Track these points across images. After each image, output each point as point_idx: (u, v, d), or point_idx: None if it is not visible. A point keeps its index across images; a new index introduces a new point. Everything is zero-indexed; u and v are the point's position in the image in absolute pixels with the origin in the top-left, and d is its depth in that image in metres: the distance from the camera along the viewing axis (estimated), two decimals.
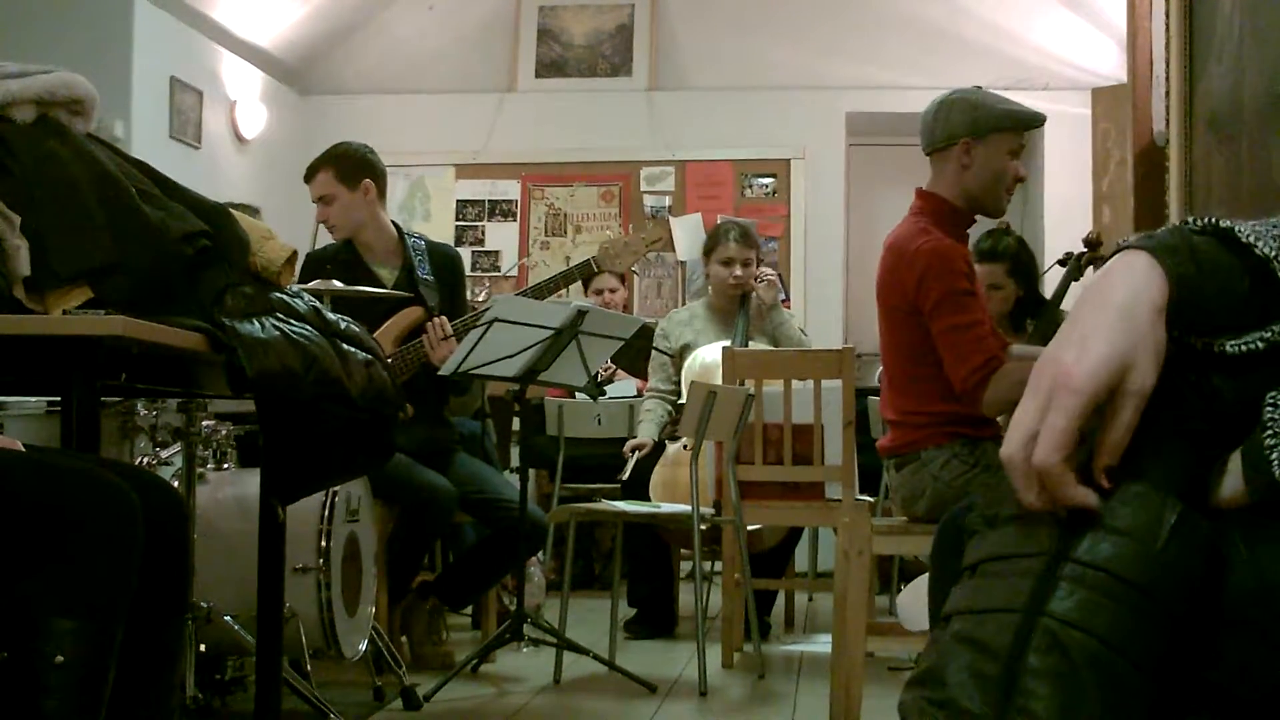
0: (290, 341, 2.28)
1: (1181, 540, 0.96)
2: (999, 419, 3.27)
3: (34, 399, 3.13)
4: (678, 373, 5.20)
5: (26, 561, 1.72)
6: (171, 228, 2.20)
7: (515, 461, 6.04)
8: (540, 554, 4.80)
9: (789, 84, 7.47)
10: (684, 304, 6.62)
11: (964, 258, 3.32)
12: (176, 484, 3.20)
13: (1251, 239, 1.04)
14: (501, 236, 7.64)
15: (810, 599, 6.09)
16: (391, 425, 2.57)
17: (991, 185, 3.39)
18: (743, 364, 4.34)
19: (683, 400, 4.61)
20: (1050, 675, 0.93)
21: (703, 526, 4.13)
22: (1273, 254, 1.03)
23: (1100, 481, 0.99)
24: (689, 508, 4.07)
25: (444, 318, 4.08)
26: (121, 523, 1.76)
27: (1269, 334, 1.02)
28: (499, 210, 7.65)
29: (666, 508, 4.42)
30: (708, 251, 5.28)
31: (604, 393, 4.81)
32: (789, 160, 7.49)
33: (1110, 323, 1.00)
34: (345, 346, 2.43)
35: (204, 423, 3.40)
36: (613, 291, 6.16)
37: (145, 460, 3.36)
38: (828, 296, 7.43)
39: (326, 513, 3.42)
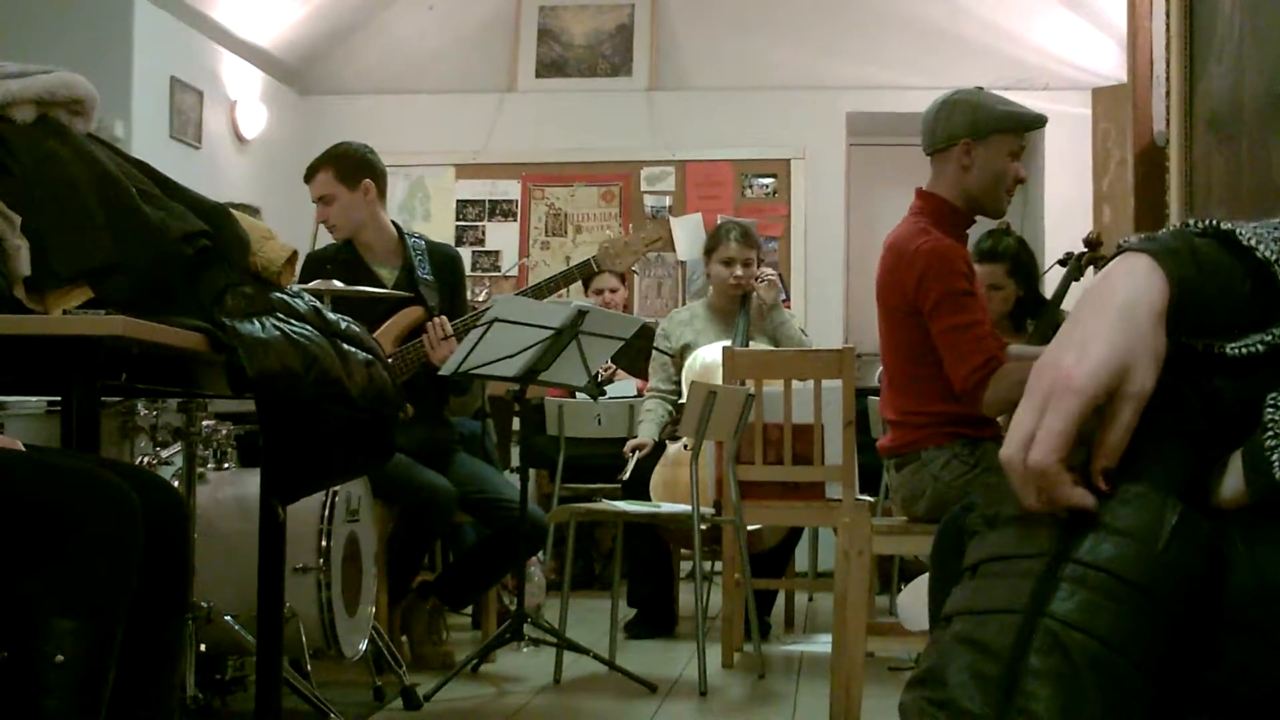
0: (290, 341, 2.28)
1: (1183, 541, 0.96)
2: (999, 419, 3.27)
3: (34, 399, 3.13)
4: (678, 372, 5.20)
5: (26, 561, 1.72)
6: (172, 228, 2.20)
7: (515, 461, 6.04)
8: (540, 554, 4.79)
9: (789, 84, 7.47)
10: (684, 304, 6.62)
11: (963, 258, 3.32)
12: (176, 484, 3.20)
13: (1253, 242, 1.04)
14: (502, 236, 7.64)
15: (810, 599, 6.09)
16: (392, 425, 2.57)
17: (992, 186, 3.39)
18: (743, 364, 4.34)
19: (683, 400, 4.61)
20: (1051, 676, 0.93)
21: (703, 526, 4.13)
22: (1274, 258, 1.03)
23: (1099, 484, 0.99)
24: (689, 508, 4.07)
25: (444, 318, 4.08)
26: (121, 523, 1.76)
27: (1269, 337, 1.02)
28: (499, 210, 7.65)
29: (666, 508, 4.42)
30: (708, 251, 5.28)
31: (604, 393, 4.81)
32: (789, 160, 7.49)
33: (1110, 325, 1.00)
34: (345, 346, 2.43)
35: (204, 423, 3.40)
36: (613, 291, 6.16)
37: (145, 460, 3.36)
38: (828, 296, 7.43)
39: (326, 513, 3.42)
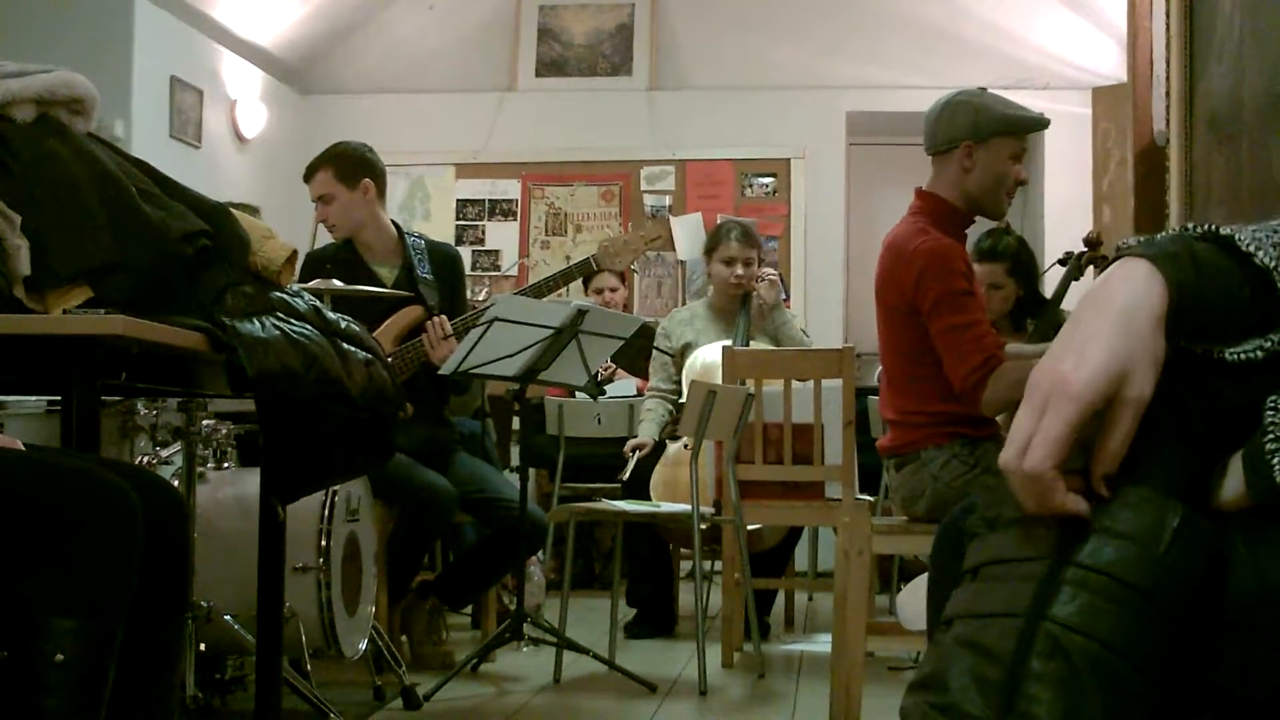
0: (290, 341, 2.28)
1: (1184, 544, 0.96)
2: (998, 419, 3.27)
3: (34, 398, 3.13)
4: (679, 372, 5.20)
5: (26, 561, 1.72)
6: (172, 227, 2.20)
7: (515, 461, 6.04)
8: (540, 553, 4.80)
9: (789, 84, 7.47)
10: (684, 304, 6.62)
11: (962, 257, 3.32)
12: (176, 483, 3.20)
13: (1251, 248, 1.04)
14: (501, 236, 7.64)
15: (810, 599, 6.09)
16: (392, 425, 2.57)
17: (992, 188, 3.39)
18: (743, 363, 4.34)
19: (683, 400, 4.61)
20: (1053, 680, 0.92)
21: (703, 526, 4.13)
22: (1272, 264, 1.03)
23: (1099, 490, 0.99)
24: (689, 507, 4.08)
25: (443, 317, 4.08)
26: (121, 522, 1.76)
27: (1269, 343, 1.02)
28: (499, 210, 7.65)
29: (666, 507, 4.42)
30: (709, 251, 5.28)
31: (604, 392, 4.81)
32: (789, 160, 7.49)
33: (1109, 330, 1.00)
34: (345, 346, 2.43)
35: (204, 422, 3.40)
36: (613, 291, 6.16)
37: (145, 460, 3.36)
38: (828, 296, 7.43)
39: (326, 512, 3.42)
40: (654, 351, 5.33)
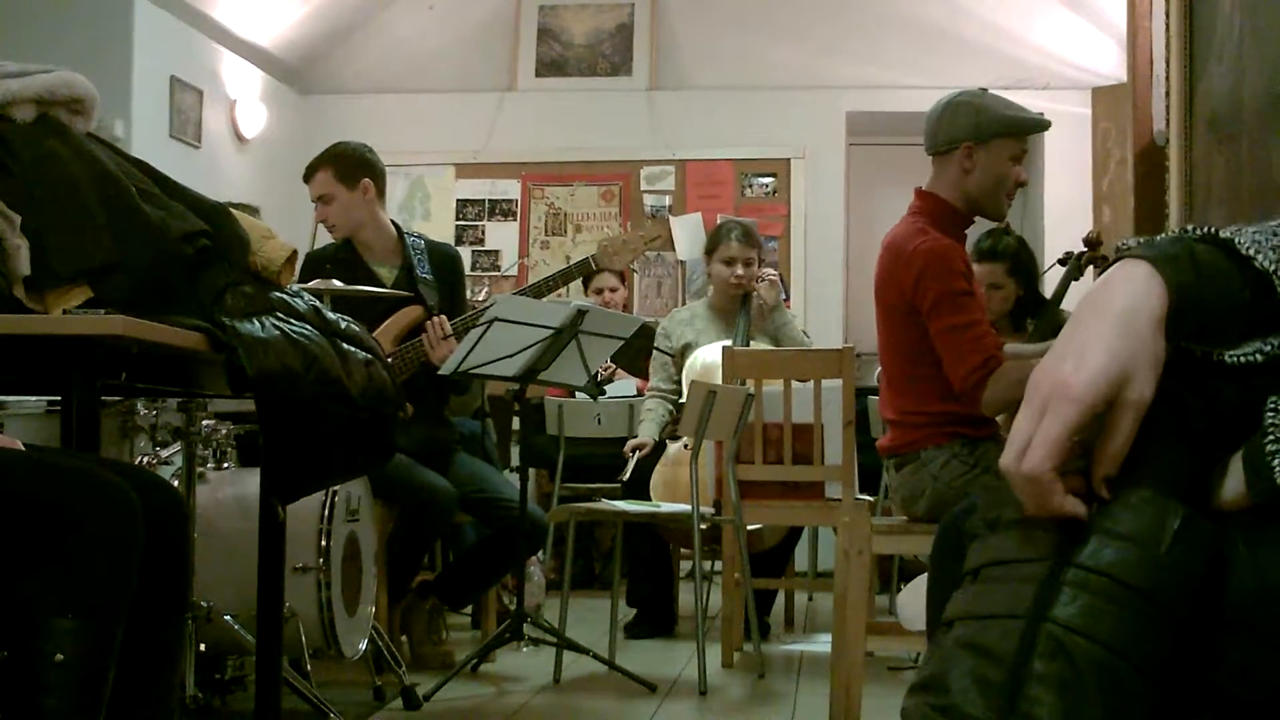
0: (290, 341, 2.28)
1: (1185, 544, 0.96)
2: (998, 419, 3.27)
3: (34, 399, 3.13)
4: (679, 372, 5.20)
5: (26, 561, 1.72)
6: (172, 227, 2.20)
7: (515, 461, 6.04)
8: (540, 554, 4.80)
9: (789, 84, 7.47)
10: (684, 304, 6.62)
11: (962, 257, 3.32)
12: (176, 484, 3.20)
13: (1251, 251, 1.03)
14: (501, 236, 7.64)
15: (810, 599, 6.09)
16: (392, 425, 2.57)
17: (992, 190, 3.39)
18: (743, 363, 4.34)
19: (684, 400, 4.61)
20: (1054, 681, 0.92)
21: (703, 526, 4.13)
22: (1272, 267, 1.02)
23: (1100, 492, 0.99)
24: (689, 507, 4.08)
25: (443, 317, 4.08)
26: (121, 523, 1.76)
27: (1269, 347, 1.02)
28: (499, 210, 7.65)
29: (666, 507, 4.42)
30: (709, 251, 5.28)
31: (604, 392, 4.81)
32: (789, 160, 7.49)
33: (1109, 333, 1.00)
34: (345, 346, 2.43)
35: (204, 422, 3.40)
36: (613, 291, 6.16)
37: (145, 460, 3.36)
38: (828, 296, 7.43)
39: (326, 512, 3.42)
40: (654, 351, 5.33)
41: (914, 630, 3.12)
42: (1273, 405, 1.00)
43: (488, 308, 3.77)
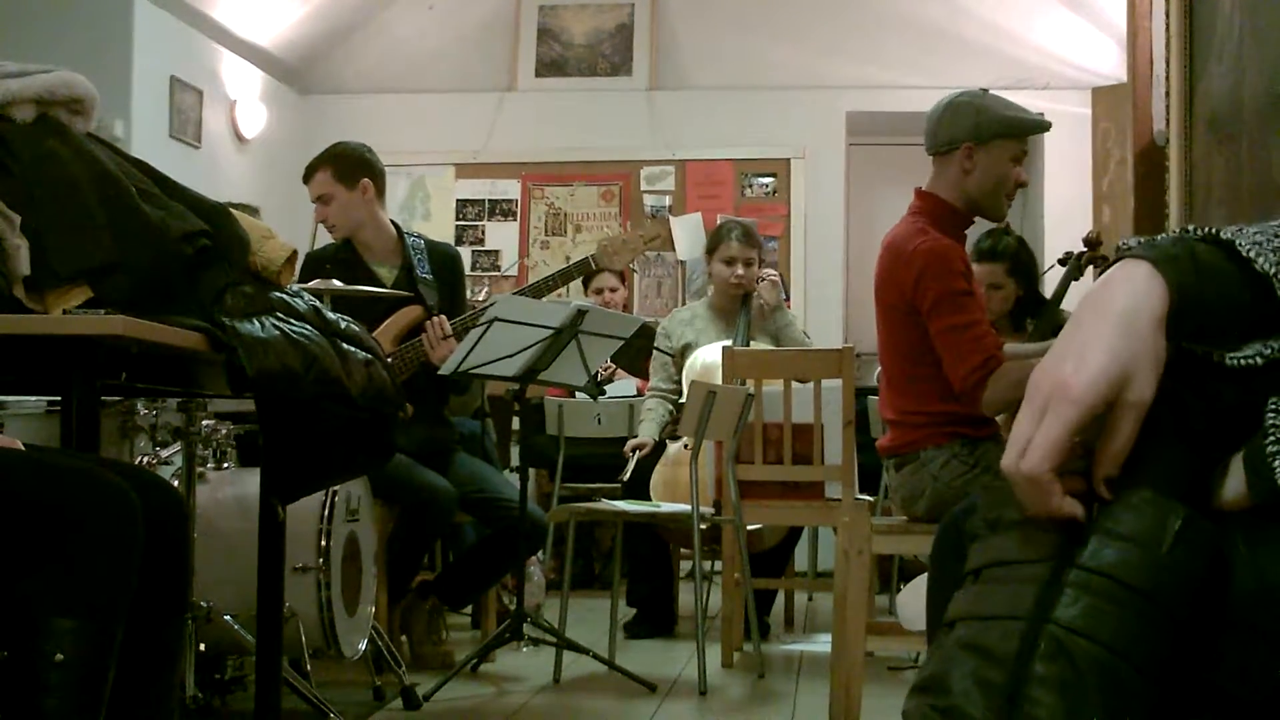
0: (290, 341, 2.28)
1: (1186, 545, 0.96)
2: (998, 419, 3.27)
3: (34, 399, 3.13)
4: (679, 372, 5.20)
5: (26, 561, 1.72)
6: (171, 227, 2.20)
7: (515, 461, 6.04)
8: (540, 553, 4.80)
9: (789, 84, 7.47)
10: (684, 304, 6.62)
11: (961, 258, 3.32)
12: (176, 484, 3.20)
13: (1252, 254, 1.03)
14: (501, 236, 7.64)
15: (810, 599, 6.09)
16: (392, 425, 2.57)
17: (992, 190, 3.39)
18: (743, 363, 4.34)
19: (684, 400, 4.61)
20: (1055, 683, 0.92)
21: (703, 526, 4.13)
22: (1273, 271, 1.02)
23: (1101, 492, 0.99)
24: (689, 507, 4.08)
25: (443, 317, 4.08)
26: (121, 523, 1.76)
27: (1269, 350, 1.02)
28: (499, 210, 7.65)
29: (666, 507, 4.42)
30: (710, 250, 5.28)
31: (604, 392, 4.81)
32: (789, 160, 7.49)
33: (1110, 333, 0.99)
34: (345, 346, 2.43)
35: (204, 422, 3.40)
36: (613, 291, 6.16)
37: (145, 460, 3.36)
38: (828, 296, 7.43)
39: (326, 512, 3.42)
40: (654, 351, 5.33)
41: (914, 630, 3.12)
42: (1273, 406, 0.99)
43: (488, 307, 3.77)
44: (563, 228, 7.60)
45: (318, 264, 4.26)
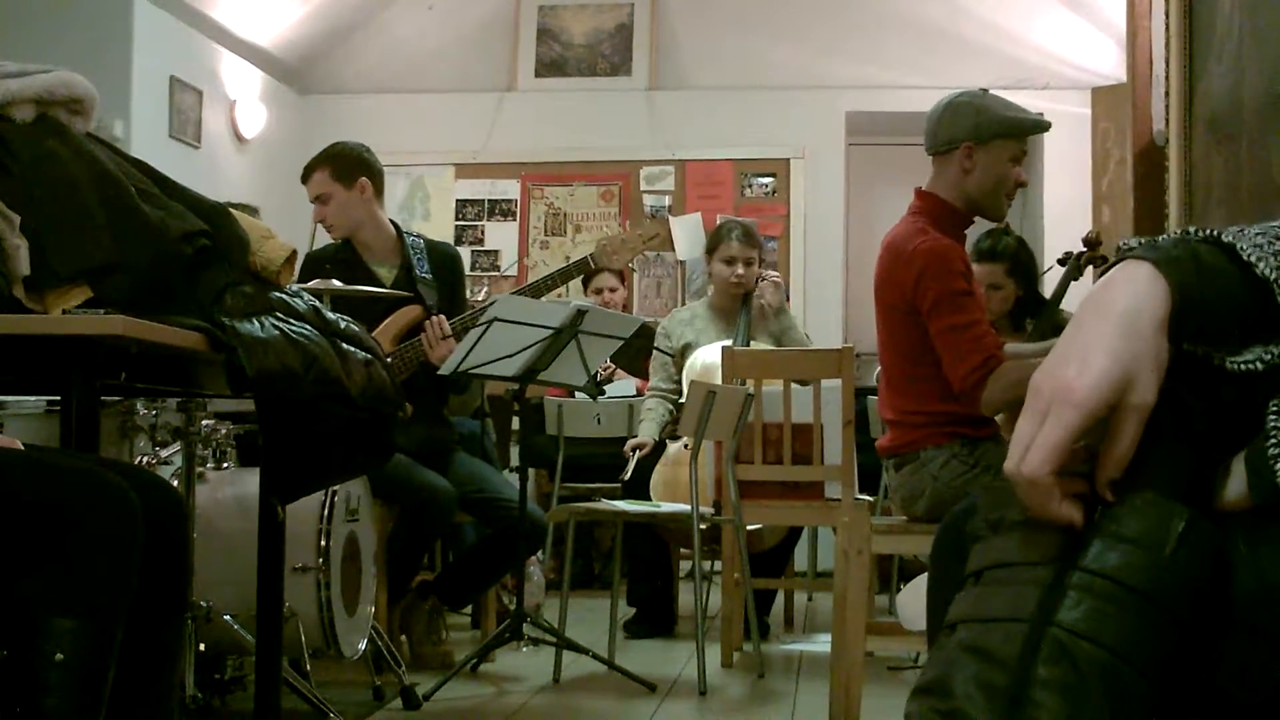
0: (290, 341, 2.28)
1: (1189, 547, 0.96)
2: (998, 419, 3.27)
3: (34, 398, 3.13)
4: (679, 372, 5.20)
5: (26, 561, 1.72)
6: (171, 227, 2.20)
7: (515, 461, 6.04)
8: (540, 553, 4.80)
9: (789, 84, 7.47)
10: (684, 304, 6.62)
11: (961, 257, 3.32)
12: (176, 483, 3.20)
13: (1253, 258, 1.03)
14: (501, 236, 7.64)
15: (810, 599, 6.09)
16: (391, 425, 2.57)
17: (992, 190, 3.39)
18: (742, 363, 4.34)
19: (684, 400, 4.61)
20: (1058, 686, 0.92)
21: (702, 526, 4.13)
22: (1273, 276, 1.02)
23: (1105, 495, 0.99)
24: (689, 507, 4.08)
25: (441, 316, 4.08)
26: (121, 522, 1.76)
27: (1269, 355, 1.02)
28: (499, 210, 7.65)
29: (666, 507, 4.42)
30: (710, 250, 5.28)
31: (603, 392, 4.81)
32: (789, 160, 7.49)
33: (1112, 336, 0.99)
34: (345, 346, 2.43)
35: (204, 422, 3.39)
36: (612, 291, 6.16)
37: (145, 460, 3.36)
38: (827, 296, 7.43)
39: (326, 512, 3.42)
40: (654, 351, 5.33)
41: (914, 630, 3.12)
42: (1275, 408, 0.99)
43: (487, 307, 3.77)
44: (562, 228, 7.60)
45: (317, 264, 4.26)
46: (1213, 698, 0.97)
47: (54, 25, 5.79)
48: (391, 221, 4.41)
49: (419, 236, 4.44)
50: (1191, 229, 1.07)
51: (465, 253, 7.21)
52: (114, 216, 2.15)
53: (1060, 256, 4.45)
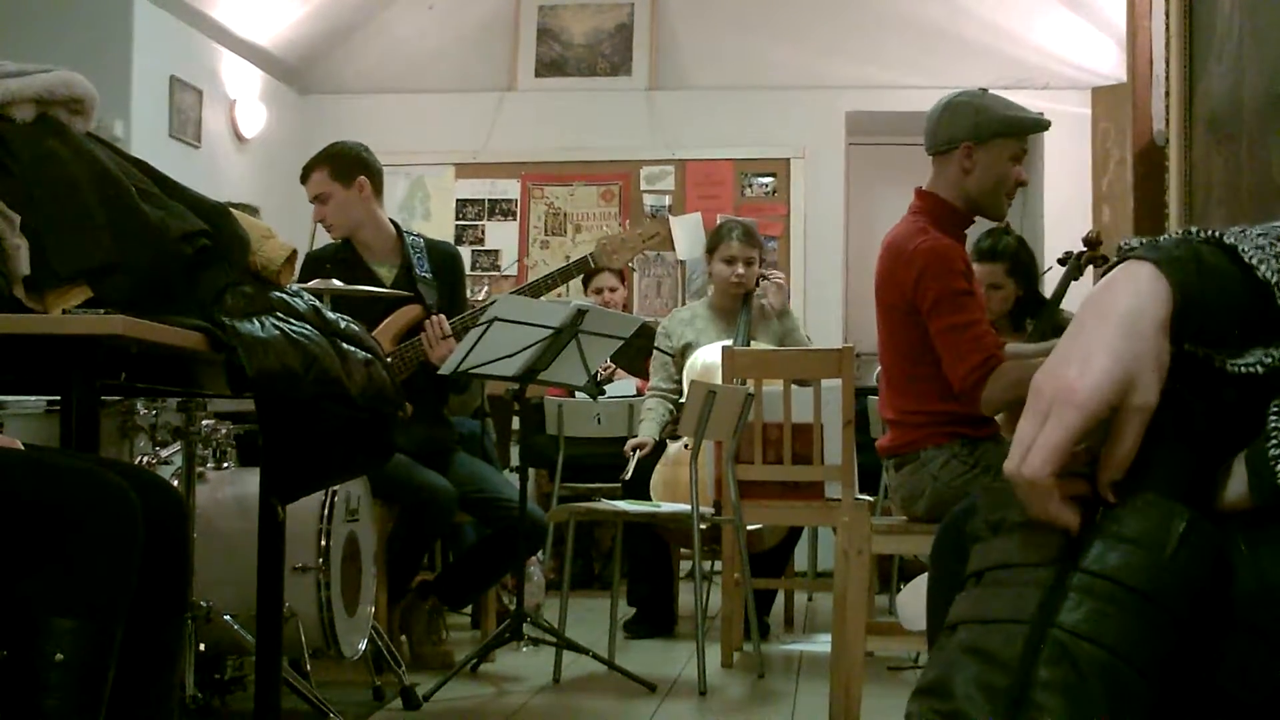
0: (290, 341, 2.28)
1: (1191, 548, 0.96)
2: (997, 418, 3.27)
3: (34, 398, 3.13)
4: (679, 372, 5.20)
5: (26, 561, 1.72)
6: (171, 227, 2.20)
7: (515, 461, 6.04)
8: (540, 553, 4.79)
9: (789, 84, 7.47)
10: (684, 303, 6.62)
11: (962, 257, 3.32)
12: (176, 483, 3.20)
13: (1255, 261, 1.03)
14: (501, 236, 7.64)
15: (810, 599, 6.09)
16: (391, 425, 2.57)
17: (992, 189, 3.39)
18: (742, 363, 4.34)
19: (684, 399, 4.61)
20: (1060, 687, 0.92)
21: (702, 526, 4.13)
22: (1274, 280, 1.02)
23: (1107, 495, 0.99)
24: (689, 507, 4.08)
25: (441, 316, 4.08)
26: (121, 522, 1.76)
27: (1269, 359, 1.02)
28: (499, 210, 7.65)
29: (666, 507, 4.42)
30: (710, 250, 5.28)
31: (604, 392, 4.81)
32: (789, 160, 7.49)
33: (1114, 336, 0.99)
34: (345, 346, 2.43)
35: (204, 422, 3.39)
36: (612, 290, 6.16)
37: (145, 460, 3.36)
38: (827, 296, 7.43)
39: (326, 512, 3.42)
40: (655, 351, 5.33)
41: (914, 630, 3.12)
42: (1276, 409, 0.99)
43: (488, 306, 3.77)
44: (562, 228, 7.60)
45: (317, 264, 4.26)
46: (1213, 698, 0.97)
47: (54, 25, 5.79)
48: (391, 221, 4.41)
49: (419, 236, 4.44)
50: (1193, 229, 1.07)
51: (465, 253, 7.21)
52: (114, 216, 2.15)
53: (1060, 256, 4.45)
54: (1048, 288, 4.81)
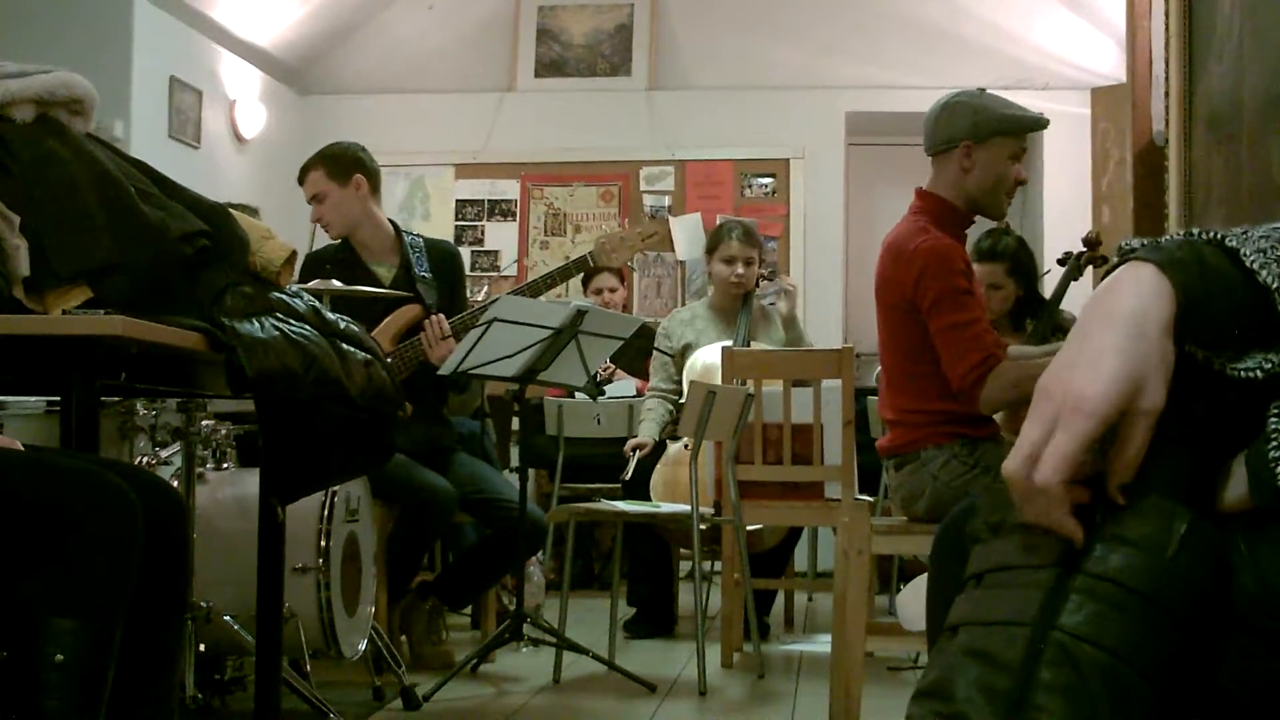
0: (290, 341, 2.28)
1: (1192, 550, 0.96)
2: (997, 418, 3.27)
3: (34, 399, 3.13)
4: (679, 372, 5.20)
5: (26, 561, 1.72)
6: (171, 227, 2.20)
7: (515, 461, 6.04)
8: (540, 554, 4.79)
9: (789, 84, 7.47)
10: (684, 304, 6.62)
11: (962, 256, 3.32)
12: (176, 484, 3.20)
13: (1256, 264, 1.03)
14: (501, 236, 7.64)
15: (810, 599, 6.09)
16: (391, 425, 2.57)
17: (992, 188, 3.39)
18: (742, 364, 4.34)
19: (684, 400, 4.61)
20: (1061, 689, 0.92)
21: (702, 526, 4.13)
22: (1275, 284, 1.02)
23: (1115, 498, 0.99)
24: (689, 508, 4.08)
25: (441, 316, 4.07)
26: (121, 523, 1.76)
27: (1269, 364, 1.01)
28: (498, 210, 7.65)
29: (666, 507, 4.42)
30: (710, 250, 5.28)
31: (603, 392, 4.81)
32: (788, 160, 7.49)
33: (1120, 340, 0.98)
34: (345, 346, 2.43)
35: (203, 422, 3.40)
36: (612, 291, 6.16)
37: (145, 460, 3.36)
38: (827, 296, 7.43)
39: (326, 513, 3.42)
40: (654, 351, 5.33)
41: (914, 630, 3.12)
42: (1275, 412, 0.99)
43: (487, 306, 3.77)
44: (562, 228, 7.60)
45: (317, 264, 4.26)
46: (1214, 698, 0.97)
47: (54, 25, 5.79)
48: (390, 220, 4.40)
49: (418, 235, 4.44)
50: (1195, 230, 1.06)
51: (465, 253, 7.21)
52: (114, 217, 2.15)
53: (1060, 256, 4.45)
54: (1047, 288, 4.82)
